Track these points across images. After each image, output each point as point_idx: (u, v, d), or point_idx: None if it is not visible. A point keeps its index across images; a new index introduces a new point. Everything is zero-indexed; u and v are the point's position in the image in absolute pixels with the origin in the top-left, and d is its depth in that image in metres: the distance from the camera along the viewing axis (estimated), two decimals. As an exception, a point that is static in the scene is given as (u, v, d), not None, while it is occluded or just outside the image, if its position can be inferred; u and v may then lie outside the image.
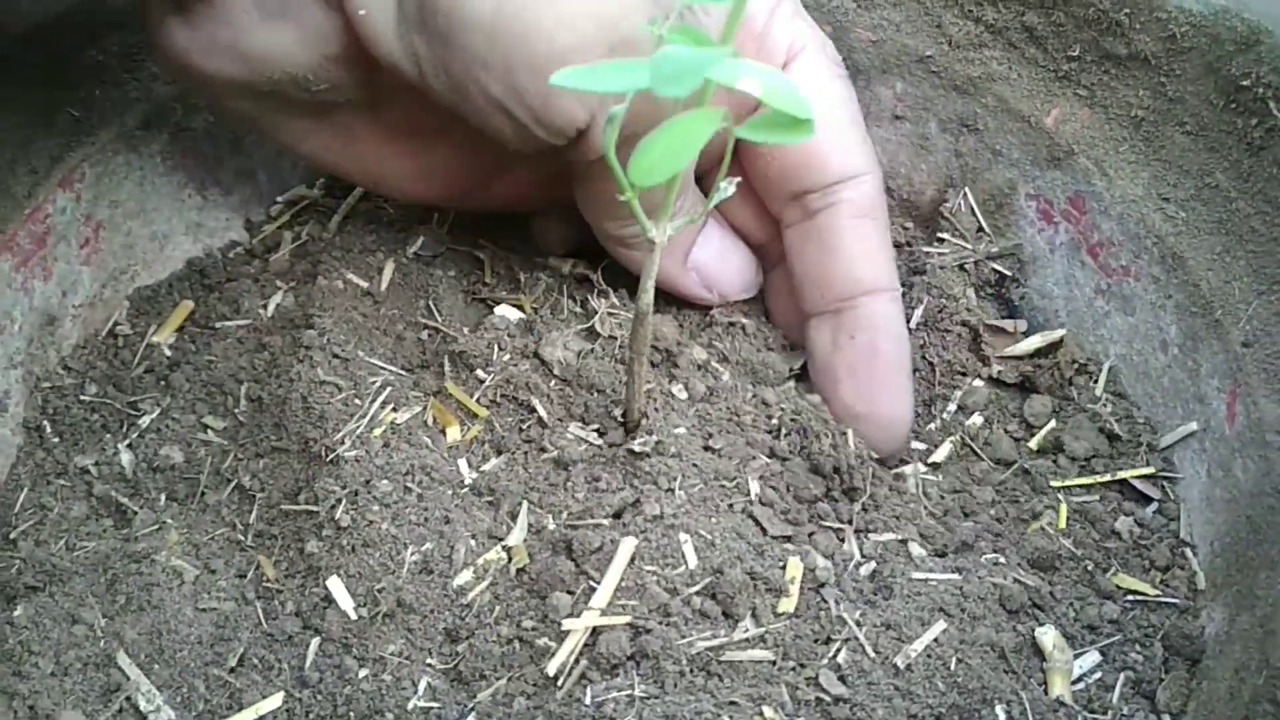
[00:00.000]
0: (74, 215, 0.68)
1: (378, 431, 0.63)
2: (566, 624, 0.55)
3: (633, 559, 0.57)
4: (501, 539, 0.60)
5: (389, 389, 0.65)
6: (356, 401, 0.65)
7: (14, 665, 0.56)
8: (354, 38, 0.56)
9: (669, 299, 0.70)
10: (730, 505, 0.60)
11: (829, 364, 0.66)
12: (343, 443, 0.62)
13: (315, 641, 0.58)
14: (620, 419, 0.63)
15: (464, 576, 0.58)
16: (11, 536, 0.62)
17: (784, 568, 0.57)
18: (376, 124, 0.64)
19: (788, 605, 0.55)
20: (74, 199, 0.67)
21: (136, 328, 0.72)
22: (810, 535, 0.60)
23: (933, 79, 0.77)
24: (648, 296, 0.55)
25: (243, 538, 0.63)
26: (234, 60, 0.58)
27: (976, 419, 0.69)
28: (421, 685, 0.56)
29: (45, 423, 0.66)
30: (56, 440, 0.66)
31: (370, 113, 0.64)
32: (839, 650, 0.54)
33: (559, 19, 0.52)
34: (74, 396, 0.68)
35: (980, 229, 0.77)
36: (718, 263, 0.69)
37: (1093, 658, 0.59)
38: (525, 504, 0.60)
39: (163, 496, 0.65)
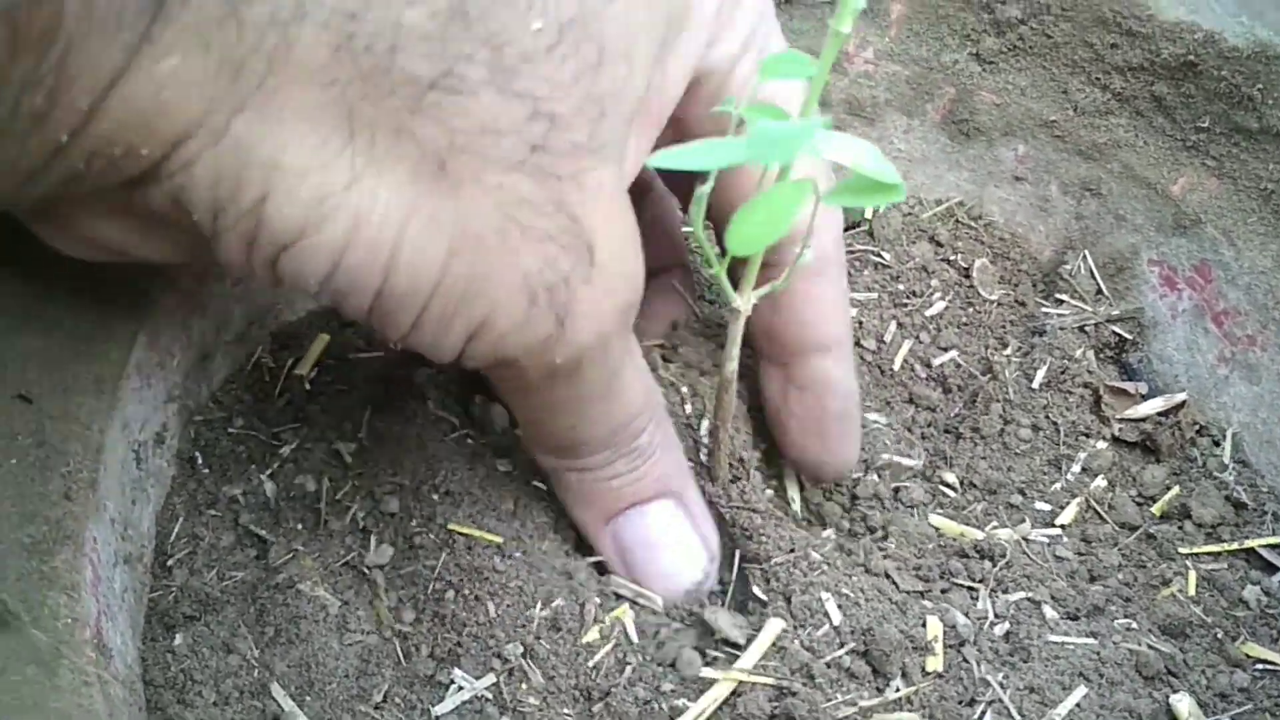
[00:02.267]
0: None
1: (487, 474, 0.64)
2: (706, 673, 0.57)
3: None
4: (624, 597, 0.62)
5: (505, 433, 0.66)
6: (469, 441, 0.66)
7: (178, 693, 0.58)
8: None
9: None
10: (864, 563, 0.62)
11: (778, 413, 0.66)
12: (456, 484, 0.64)
13: (453, 686, 0.59)
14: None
15: (592, 634, 0.60)
16: (168, 565, 0.64)
17: (925, 625, 0.58)
18: None
19: (935, 664, 0.57)
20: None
21: (279, 361, 0.74)
22: (944, 592, 0.62)
23: (1056, 143, 0.79)
24: (732, 365, 0.57)
25: (366, 570, 0.65)
26: (113, 254, 0.50)
27: (1100, 482, 0.70)
28: (563, 732, 0.57)
29: (197, 454, 0.68)
30: (207, 471, 0.68)
31: None
32: (984, 712, 0.56)
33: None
34: (223, 429, 0.70)
35: (1099, 291, 0.78)
36: (643, 551, 0.60)
37: (1224, 725, 0.60)
38: None
39: (299, 524, 0.67)
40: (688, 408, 0.65)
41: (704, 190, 0.47)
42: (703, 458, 0.63)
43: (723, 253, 0.47)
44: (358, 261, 0.44)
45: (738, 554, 0.63)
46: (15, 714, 0.47)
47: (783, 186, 0.43)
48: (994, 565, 0.63)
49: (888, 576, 0.62)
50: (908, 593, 0.61)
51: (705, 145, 0.43)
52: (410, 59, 0.40)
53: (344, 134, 0.41)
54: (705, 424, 0.65)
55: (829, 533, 0.65)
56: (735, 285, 0.52)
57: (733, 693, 0.56)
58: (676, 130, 0.57)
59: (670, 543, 0.60)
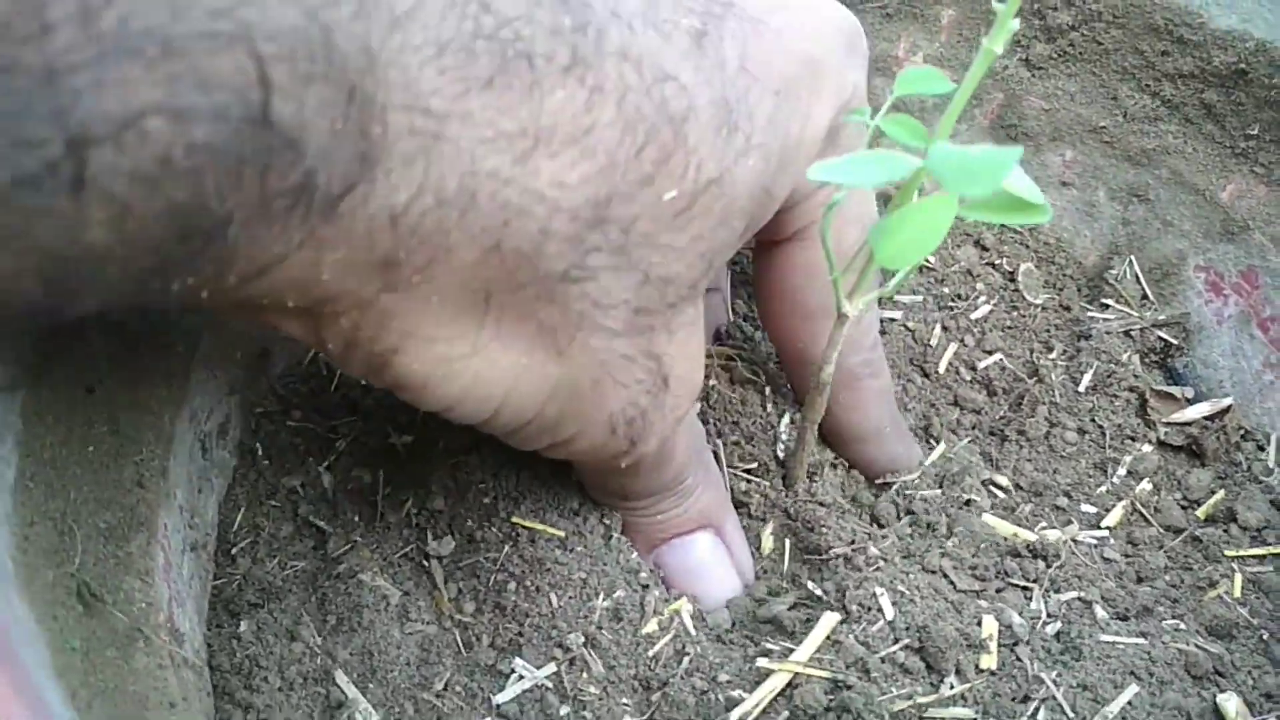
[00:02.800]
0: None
1: (550, 473, 0.65)
2: (763, 663, 0.58)
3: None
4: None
5: None
6: None
7: (244, 679, 0.59)
8: None
9: None
10: (920, 560, 0.63)
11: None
12: (514, 482, 0.65)
13: (514, 675, 0.60)
14: (781, 477, 0.66)
15: (651, 625, 0.61)
16: (232, 553, 0.65)
17: (980, 624, 0.59)
18: None
19: (989, 662, 0.57)
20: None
21: (335, 356, 0.75)
22: (999, 591, 0.63)
23: (1105, 149, 0.79)
24: (830, 368, 0.58)
25: (426, 562, 0.66)
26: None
27: (1146, 485, 0.71)
28: (624, 724, 0.58)
29: (257, 445, 0.70)
30: (267, 463, 0.69)
31: None
32: (1038, 709, 0.56)
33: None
34: (281, 422, 0.71)
35: (1145, 297, 0.79)
36: (684, 577, 0.64)
37: (1272, 726, 0.60)
38: None
39: (356, 516, 0.68)
40: (769, 407, 0.66)
41: (839, 197, 0.48)
42: (779, 452, 0.65)
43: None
44: (468, 410, 0.48)
45: (787, 544, 0.65)
46: (98, 696, 0.48)
47: (931, 201, 0.42)
48: (1048, 566, 0.64)
49: (944, 575, 0.63)
50: (964, 592, 0.62)
51: (868, 159, 0.44)
52: (549, 260, 0.43)
53: (478, 315, 0.44)
54: (784, 421, 0.66)
55: (887, 530, 0.65)
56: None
57: (788, 684, 0.57)
58: None
59: (708, 571, 0.63)
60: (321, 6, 0.32)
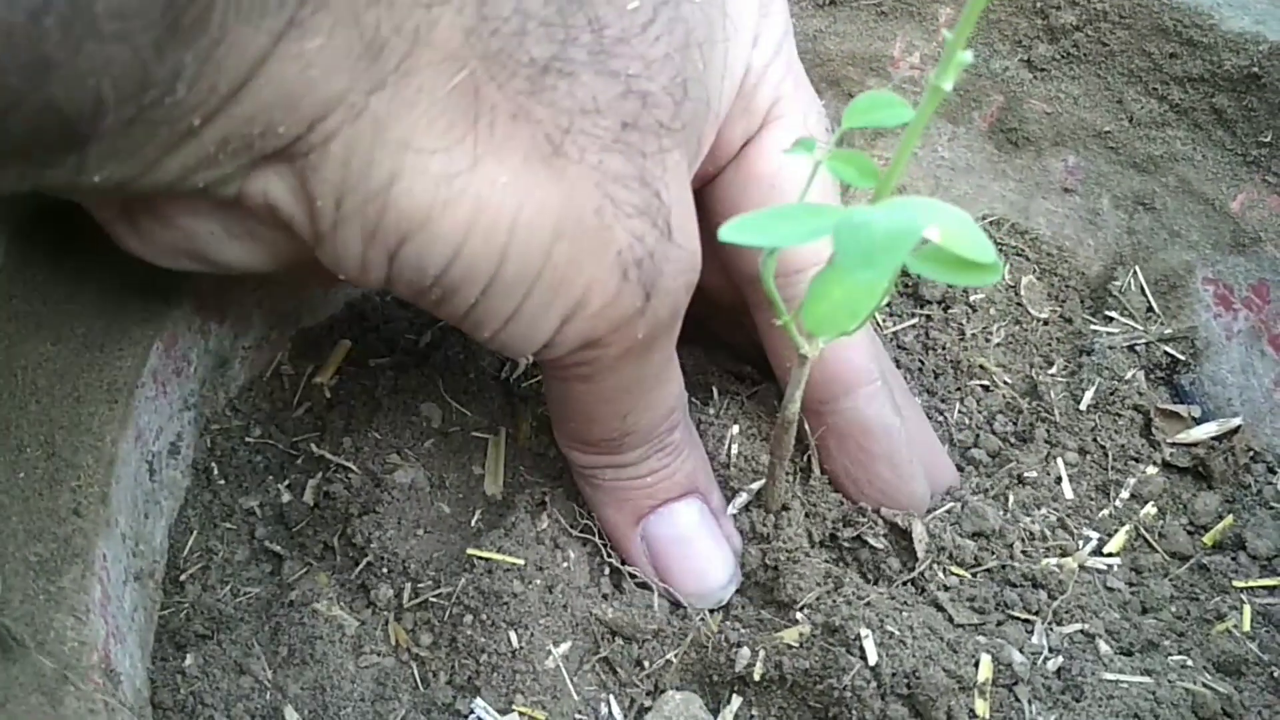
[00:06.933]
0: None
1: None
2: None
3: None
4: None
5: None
6: None
7: (187, 717, 0.56)
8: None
9: None
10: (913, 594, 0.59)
11: (828, 464, 0.63)
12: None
13: (472, 716, 0.57)
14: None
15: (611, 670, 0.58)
16: (181, 580, 0.62)
17: (977, 665, 0.55)
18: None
19: (984, 709, 0.54)
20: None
21: (299, 368, 0.71)
22: (999, 624, 0.59)
23: (1109, 154, 0.75)
24: (794, 406, 0.55)
25: (383, 589, 0.62)
26: (193, 260, 0.50)
27: (1150, 509, 0.67)
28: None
29: (213, 464, 0.66)
30: (223, 482, 0.66)
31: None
32: (1035, 757, 0.53)
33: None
34: (240, 439, 0.67)
35: (1150, 310, 0.75)
36: (675, 548, 0.60)
37: (1283, 772, 0.57)
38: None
39: (315, 540, 0.65)
40: (734, 448, 0.63)
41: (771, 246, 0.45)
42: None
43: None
44: (475, 249, 0.46)
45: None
46: (18, 746, 0.44)
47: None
48: (1051, 597, 0.60)
49: (940, 609, 0.59)
50: (962, 626, 0.58)
51: (780, 216, 0.40)
52: (532, 42, 0.43)
53: (469, 117, 0.43)
54: (733, 430, 0.63)
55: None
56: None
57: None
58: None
59: (700, 538, 0.60)
60: None
